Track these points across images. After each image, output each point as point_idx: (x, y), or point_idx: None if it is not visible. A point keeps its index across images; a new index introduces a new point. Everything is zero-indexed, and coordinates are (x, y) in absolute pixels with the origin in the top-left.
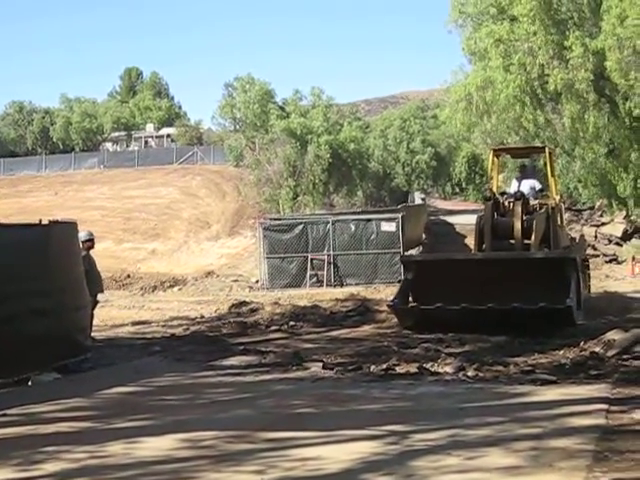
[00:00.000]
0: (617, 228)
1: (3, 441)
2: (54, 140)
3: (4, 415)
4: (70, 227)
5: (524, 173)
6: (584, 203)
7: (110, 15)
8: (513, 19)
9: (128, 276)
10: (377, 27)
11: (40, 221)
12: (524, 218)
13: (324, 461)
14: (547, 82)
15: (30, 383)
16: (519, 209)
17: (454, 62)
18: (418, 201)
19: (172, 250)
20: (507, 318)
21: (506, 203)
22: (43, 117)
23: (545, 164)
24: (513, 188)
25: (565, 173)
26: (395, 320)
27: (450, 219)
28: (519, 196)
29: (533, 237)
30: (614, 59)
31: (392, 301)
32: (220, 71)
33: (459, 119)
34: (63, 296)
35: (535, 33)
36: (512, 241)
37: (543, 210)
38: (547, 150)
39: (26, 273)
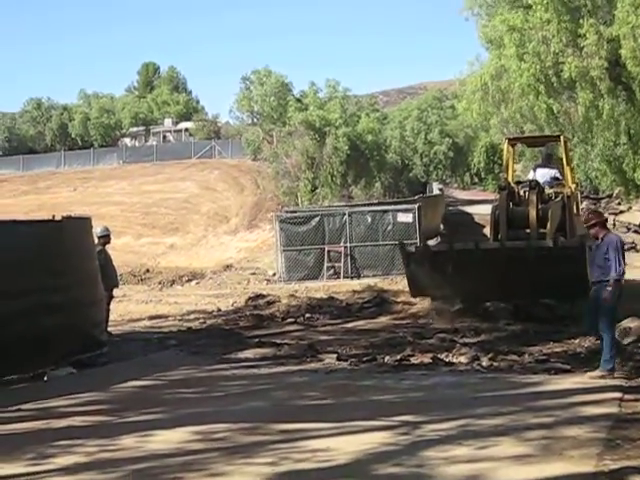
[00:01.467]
0: (635, 216)
1: (17, 436)
2: (73, 136)
3: (19, 410)
4: (84, 222)
5: (543, 162)
6: (603, 191)
7: (127, 10)
8: (528, 7)
9: (147, 271)
10: (396, 18)
11: (54, 217)
12: (539, 207)
13: (334, 452)
14: (561, 70)
15: (46, 378)
16: (534, 198)
17: (471, 52)
18: (436, 192)
19: (191, 244)
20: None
21: (521, 192)
22: (61, 113)
23: (561, 152)
24: (530, 177)
25: (584, 161)
26: (411, 311)
27: (468, 209)
28: (534, 185)
29: (549, 226)
30: (629, 47)
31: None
32: (237, 64)
33: (475, 109)
34: (78, 291)
35: (549, 21)
36: (528, 230)
37: (559, 199)
38: (562, 138)
39: (41, 268)
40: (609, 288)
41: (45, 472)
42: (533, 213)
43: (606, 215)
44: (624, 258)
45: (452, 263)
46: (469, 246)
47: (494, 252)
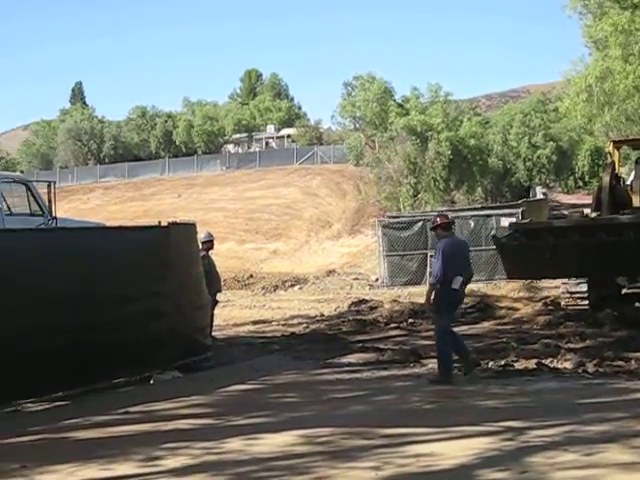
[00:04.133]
0: None
1: (126, 438)
2: (177, 143)
3: (127, 413)
4: (190, 228)
5: None
6: None
7: (229, 19)
8: (635, 7)
9: (251, 276)
10: (497, 21)
11: (160, 223)
12: None
13: (438, 457)
14: None
15: (152, 381)
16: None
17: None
18: (539, 196)
19: (294, 250)
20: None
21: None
22: (166, 121)
23: None
24: (631, 178)
25: None
26: (515, 316)
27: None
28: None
29: None
30: None
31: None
32: (339, 71)
33: (580, 111)
34: (183, 296)
35: None
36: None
37: None
38: None
39: (147, 274)
40: None
41: (154, 474)
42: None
43: None
44: None
45: (551, 240)
46: (572, 221)
47: (596, 227)
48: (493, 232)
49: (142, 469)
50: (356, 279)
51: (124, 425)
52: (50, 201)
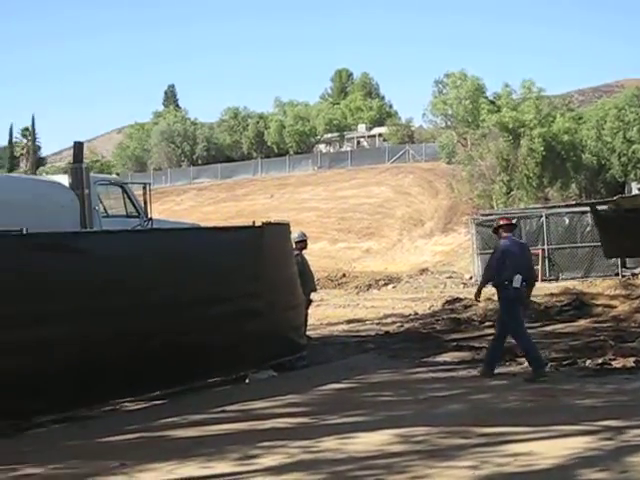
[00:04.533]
0: None
1: (223, 436)
2: (269, 144)
3: (223, 411)
4: (283, 228)
5: None
6: None
7: (319, 19)
8: None
9: (343, 275)
10: (589, 15)
11: (254, 223)
12: None
13: (536, 456)
14: None
15: (247, 381)
16: None
17: None
18: (635, 192)
19: (386, 248)
20: None
21: None
22: (257, 122)
23: None
24: None
25: None
26: (612, 314)
27: None
28: None
29: None
30: None
31: None
32: (430, 69)
33: None
34: (277, 296)
35: None
36: None
37: None
38: None
39: (242, 274)
40: None
41: (251, 472)
42: None
43: None
44: None
45: None
46: None
47: None
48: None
49: (239, 467)
50: (450, 277)
51: (221, 424)
52: (146, 202)
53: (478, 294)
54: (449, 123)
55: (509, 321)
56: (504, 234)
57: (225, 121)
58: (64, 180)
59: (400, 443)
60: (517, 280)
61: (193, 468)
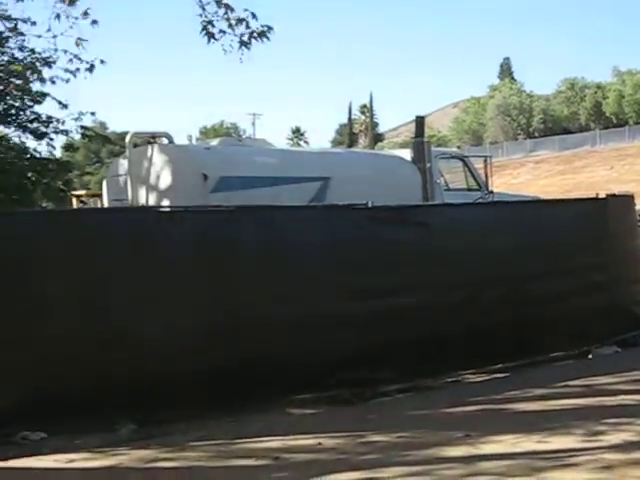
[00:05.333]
0: None
1: (567, 411)
2: (607, 115)
3: (566, 386)
4: (627, 200)
5: None
6: None
7: None
8: None
9: None
10: None
11: (597, 195)
12: None
13: None
14: None
15: (590, 356)
16: None
17: None
18: None
19: None
20: None
21: None
22: (595, 92)
23: None
24: None
25: None
26: None
27: None
28: None
29: None
30: None
31: None
32: None
33: None
34: (621, 269)
35: None
36: None
37: None
38: None
39: (585, 246)
40: None
41: (596, 449)
42: None
43: None
44: None
45: None
46: None
47: None
48: None
49: (584, 444)
50: None
51: (564, 399)
52: (486, 176)
53: None
54: None
55: None
56: None
57: (562, 92)
58: (406, 154)
59: None
60: None
61: (536, 442)
